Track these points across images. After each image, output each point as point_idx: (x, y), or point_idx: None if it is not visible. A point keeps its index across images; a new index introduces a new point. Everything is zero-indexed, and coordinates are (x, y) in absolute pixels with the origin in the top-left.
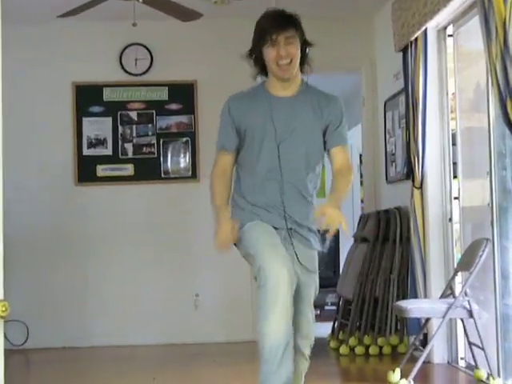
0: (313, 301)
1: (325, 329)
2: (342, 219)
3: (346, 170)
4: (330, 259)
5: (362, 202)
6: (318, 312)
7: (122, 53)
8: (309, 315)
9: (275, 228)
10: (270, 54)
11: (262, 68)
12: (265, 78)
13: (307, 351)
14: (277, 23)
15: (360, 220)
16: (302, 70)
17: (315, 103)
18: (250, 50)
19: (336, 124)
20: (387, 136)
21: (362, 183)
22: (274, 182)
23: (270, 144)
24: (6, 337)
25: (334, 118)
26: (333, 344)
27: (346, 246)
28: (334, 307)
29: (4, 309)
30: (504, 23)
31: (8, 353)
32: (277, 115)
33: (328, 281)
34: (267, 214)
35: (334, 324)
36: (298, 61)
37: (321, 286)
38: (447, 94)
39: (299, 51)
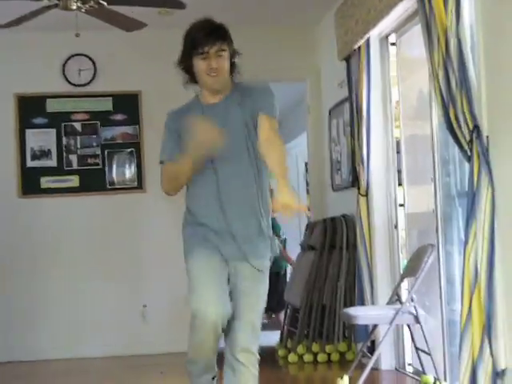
0: (257, 309)
1: (273, 337)
2: (296, 205)
3: (274, 138)
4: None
5: (308, 210)
6: (266, 321)
7: (65, 63)
8: (247, 325)
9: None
10: (200, 65)
11: (192, 77)
12: (195, 87)
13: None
14: (208, 36)
15: (307, 228)
16: (232, 78)
17: (239, 99)
18: (179, 59)
19: (264, 107)
20: (332, 144)
21: (308, 191)
22: (214, 198)
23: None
24: None
25: (260, 104)
26: (281, 352)
27: (293, 254)
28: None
29: None
30: (445, 31)
31: None
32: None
33: None
34: (214, 236)
35: (282, 332)
36: (228, 72)
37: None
38: (391, 101)
39: (229, 63)
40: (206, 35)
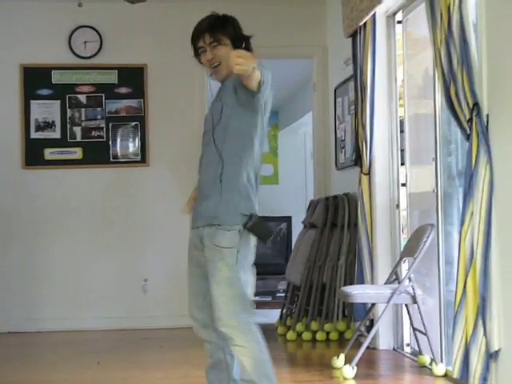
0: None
1: (275, 315)
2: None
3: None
4: (281, 246)
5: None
6: (270, 298)
7: (71, 35)
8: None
9: None
10: (202, 59)
11: None
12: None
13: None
14: (198, 31)
15: (309, 206)
16: None
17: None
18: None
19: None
20: (337, 122)
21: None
22: None
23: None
24: None
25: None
26: (280, 330)
27: (297, 231)
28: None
29: None
30: (448, 8)
31: None
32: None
33: (279, 268)
34: None
35: (282, 310)
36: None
37: (273, 273)
38: (396, 80)
39: (228, 50)
40: (198, 31)
